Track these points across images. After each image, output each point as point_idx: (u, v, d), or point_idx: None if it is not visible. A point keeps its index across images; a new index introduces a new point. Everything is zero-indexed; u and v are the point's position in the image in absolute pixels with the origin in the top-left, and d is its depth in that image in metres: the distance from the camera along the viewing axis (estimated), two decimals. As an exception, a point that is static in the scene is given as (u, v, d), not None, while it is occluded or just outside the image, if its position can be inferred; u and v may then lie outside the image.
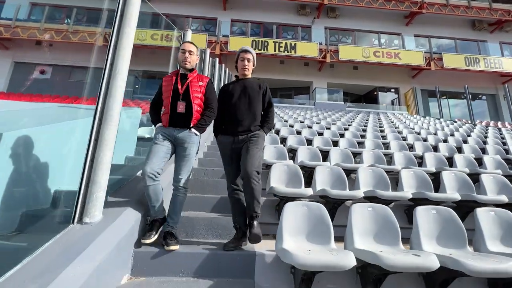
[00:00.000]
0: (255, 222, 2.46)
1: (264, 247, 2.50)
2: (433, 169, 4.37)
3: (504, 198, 3.42)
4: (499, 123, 16.69)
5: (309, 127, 8.47)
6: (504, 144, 7.99)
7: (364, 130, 8.78)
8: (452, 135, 8.62)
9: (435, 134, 8.65)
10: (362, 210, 2.51)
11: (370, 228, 2.47)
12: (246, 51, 2.79)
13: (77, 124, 3.44)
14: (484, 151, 6.70)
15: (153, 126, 2.82)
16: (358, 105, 20.84)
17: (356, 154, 4.92)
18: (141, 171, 2.64)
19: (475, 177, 4.24)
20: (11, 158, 2.56)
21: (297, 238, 2.37)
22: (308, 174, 3.88)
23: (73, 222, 2.15)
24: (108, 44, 2.40)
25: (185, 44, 2.67)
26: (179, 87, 2.55)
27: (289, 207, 2.49)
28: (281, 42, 19.78)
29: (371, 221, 2.48)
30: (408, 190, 3.52)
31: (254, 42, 19.58)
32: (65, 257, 1.77)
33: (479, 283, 2.37)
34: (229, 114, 2.72)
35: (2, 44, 19.02)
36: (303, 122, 9.46)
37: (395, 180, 4.14)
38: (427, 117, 15.92)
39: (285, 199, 3.02)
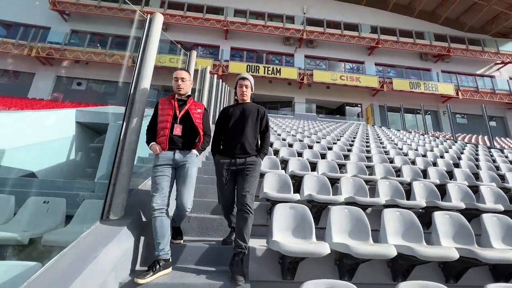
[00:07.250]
0: (238, 261, 1.92)
1: (257, 243, 2.31)
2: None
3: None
4: (437, 133, 17.02)
5: (294, 135, 8.00)
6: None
7: (338, 135, 8.76)
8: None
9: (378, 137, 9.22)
10: (339, 211, 2.33)
11: (345, 226, 2.29)
12: (244, 79, 2.37)
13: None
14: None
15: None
16: (328, 116, 20.92)
17: (341, 166, 4.43)
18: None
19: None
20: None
21: (285, 233, 2.19)
22: (298, 182, 3.51)
23: None
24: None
25: (177, 72, 2.17)
26: (177, 111, 2.12)
27: (278, 208, 2.30)
28: (269, 67, 19.59)
29: (346, 221, 2.31)
30: (382, 197, 3.22)
31: (248, 66, 19.26)
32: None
33: (435, 271, 2.24)
34: (229, 136, 2.27)
35: (48, 62, 18.47)
36: (289, 132, 8.82)
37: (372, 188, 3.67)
38: (375, 126, 16.42)
39: (276, 203, 2.79)
